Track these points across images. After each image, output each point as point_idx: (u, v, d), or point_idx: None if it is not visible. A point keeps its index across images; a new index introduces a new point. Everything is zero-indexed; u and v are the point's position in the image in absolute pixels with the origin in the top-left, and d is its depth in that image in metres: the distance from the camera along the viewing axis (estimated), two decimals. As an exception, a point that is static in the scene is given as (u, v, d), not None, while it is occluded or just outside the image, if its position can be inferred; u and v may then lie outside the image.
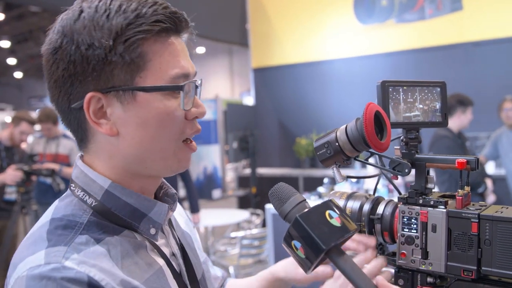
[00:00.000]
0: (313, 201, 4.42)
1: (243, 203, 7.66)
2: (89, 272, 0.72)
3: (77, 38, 0.78)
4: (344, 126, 0.93)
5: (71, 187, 0.86)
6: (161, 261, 0.86)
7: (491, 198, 4.23)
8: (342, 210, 0.75)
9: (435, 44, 6.55)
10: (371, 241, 1.02)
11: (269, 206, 4.22)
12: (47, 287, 0.69)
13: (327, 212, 0.73)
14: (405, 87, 1.00)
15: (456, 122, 4.14)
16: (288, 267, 1.15)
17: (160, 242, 0.89)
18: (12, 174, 4.29)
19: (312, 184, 6.64)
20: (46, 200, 4.84)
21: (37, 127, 5.10)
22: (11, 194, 4.45)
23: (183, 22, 0.84)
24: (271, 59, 8.06)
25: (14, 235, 4.59)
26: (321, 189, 4.48)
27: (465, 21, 6.34)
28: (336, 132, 0.94)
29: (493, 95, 5.32)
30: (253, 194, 7.04)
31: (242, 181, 8.05)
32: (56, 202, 0.86)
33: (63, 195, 0.88)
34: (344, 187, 4.33)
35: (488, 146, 5.11)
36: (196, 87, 0.86)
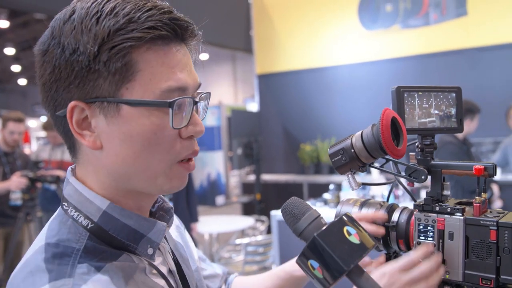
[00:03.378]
0: (319, 207, 4.40)
1: (247, 209, 7.64)
2: None
3: (64, 41, 0.72)
4: (360, 132, 0.92)
5: (64, 206, 0.79)
6: (161, 282, 0.82)
7: (497, 203, 4.21)
8: (359, 225, 0.73)
9: (440, 50, 6.54)
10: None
11: (275, 213, 4.20)
12: None
13: (345, 228, 0.70)
14: (420, 93, 0.98)
15: (464, 129, 4.12)
16: None
17: (157, 261, 0.85)
18: (17, 181, 4.28)
19: (316, 191, 6.61)
20: (51, 207, 4.84)
21: (42, 133, 5.09)
22: (16, 199, 4.43)
23: (188, 30, 0.76)
24: (276, 65, 8.06)
25: (19, 242, 4.58)
26: (326, 196, 4.45)
27: (470, 26, 6.33)
28: (351, 139, 0.92)
29: (498, 100, 5.30)
30: (258, 201, 7.01)
31: (246, 188, 8.03)
32: (48, 223, 0.80)
33: (55, 214, 0.81)
34: (350, 193, 4.31)
35: (498, 153, 5.11)
36: (195, 102, 0.78)
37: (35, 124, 15.42)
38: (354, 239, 0.70)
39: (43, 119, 19.53)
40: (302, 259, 0.70)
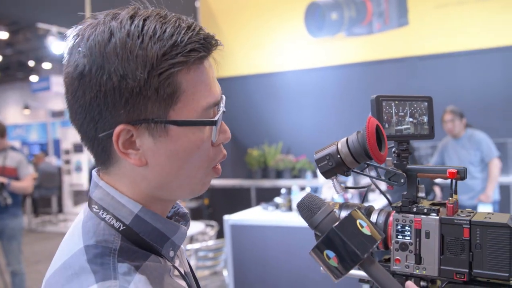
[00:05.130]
0: (270, 211, 4.46)
1: (195, 214, 7.60)
2: None
3: (109, 68, 0.72)
4: (345, 138, 0.97)
5: (94, 209, 0.81)
6: (183, 283, 0.85)
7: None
8: (368, 219, 0.79)
9: (383, 58, 6.81)
10: None
11: (228, 217, 4.22)
12: None
13: (358, 221, 0.77)
14: (396, 102, 1.06)
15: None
16: None
17: (176, 263, 0.88)
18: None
19: (263, 195, 6.69)
20: (-8, 215, 4.64)
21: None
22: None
23: (213, 43, 0.80)
24: (222, 70, 7.98)
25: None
26: (278, 200, 4.53)
27: (410, 36, 6.64)
28: (337, 145, 0.97)
29: (436, 107, 5.57)
30: (206, 206, 7.00)
31: (194, 193, 7.97)
32: (79, 226, 0.81)
33: (85, 217, 0.82)
34: (301, 196, 4.40)
35: (435, 155, 5.37)
36: (223, 112, 0.83)
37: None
38: (366, 231, 0.76)
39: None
40: (317, 250, 0.76)
